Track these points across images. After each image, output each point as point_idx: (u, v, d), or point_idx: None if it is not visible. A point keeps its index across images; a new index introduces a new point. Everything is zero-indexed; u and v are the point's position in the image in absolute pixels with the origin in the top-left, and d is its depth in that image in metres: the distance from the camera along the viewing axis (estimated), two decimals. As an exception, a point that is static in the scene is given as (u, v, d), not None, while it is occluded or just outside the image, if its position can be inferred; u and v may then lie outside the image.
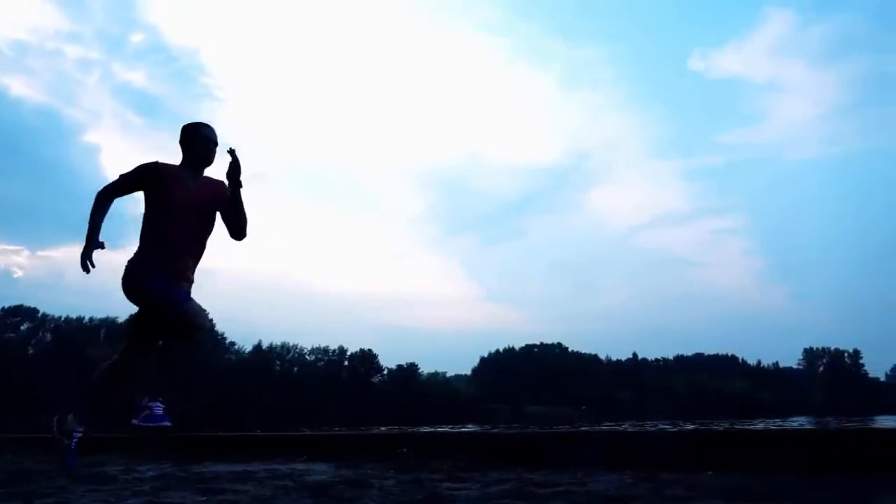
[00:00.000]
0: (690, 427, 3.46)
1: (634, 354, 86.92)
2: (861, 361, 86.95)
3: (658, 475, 2.09)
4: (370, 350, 78.94)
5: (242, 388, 57.20)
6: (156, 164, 2.99)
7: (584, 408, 71.61)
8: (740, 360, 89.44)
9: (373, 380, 78.10)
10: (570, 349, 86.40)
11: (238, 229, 3.08)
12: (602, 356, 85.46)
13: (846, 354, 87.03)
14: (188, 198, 2.96)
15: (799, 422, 27.64)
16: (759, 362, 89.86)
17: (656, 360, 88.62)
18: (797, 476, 1.99)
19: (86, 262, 2.81)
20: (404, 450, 2.72)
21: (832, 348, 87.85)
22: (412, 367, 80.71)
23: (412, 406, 66.60)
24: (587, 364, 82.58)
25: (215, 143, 3.09)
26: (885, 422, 23.78)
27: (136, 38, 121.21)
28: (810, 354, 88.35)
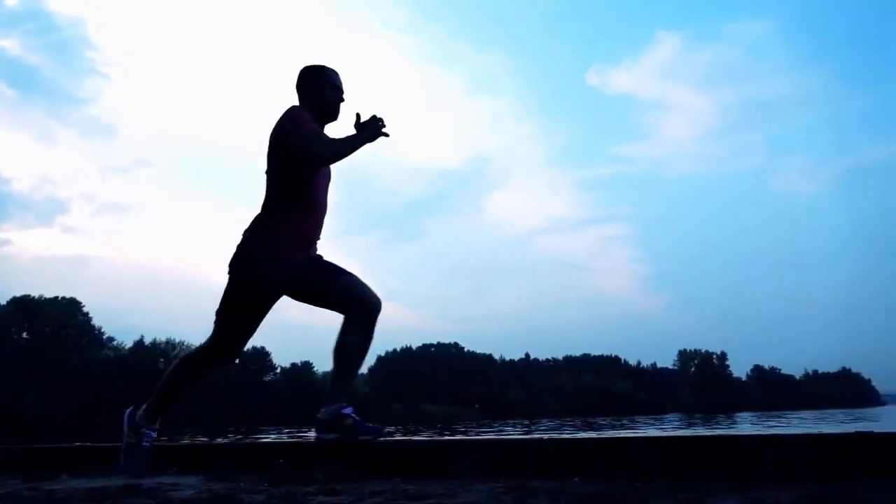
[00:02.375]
0: (563, 436, 3.63)
1: (527, 355, 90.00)
2: (727, 362, 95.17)
3: (530, 483, 2.16)
4: (262, 347, 76.36)
5: (120, 389, 53.47)
6: (305, 111, 2.43)
7: (477, 406, 73.21)
8: (622, 361, 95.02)
9: (265, 378, 75.67)
10: (465, 349, 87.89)
11: None
12: (496, 356, 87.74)
13: (714, 356, 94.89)
14: None
15: (671, 419, 29.88)
16: (639, 363, 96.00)
17: (547, 360, 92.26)
18: (655, 482, 2.13)
19: (377, 129, 2.28)
20: (281, 460, 2.65)
21: (703, 350, 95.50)
22: (307, 366, 78.96)
23: (306, 406, 65.21)
24: (482, 364, 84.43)
25: (343, 95, 2.53)
26: (745, 418, 26.18)
27: (10, 0, 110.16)
28: (684, 356, 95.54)
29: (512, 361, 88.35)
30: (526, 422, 34.15)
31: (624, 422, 26.53)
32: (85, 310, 60.01)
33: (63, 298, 58.41)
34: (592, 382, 79.63)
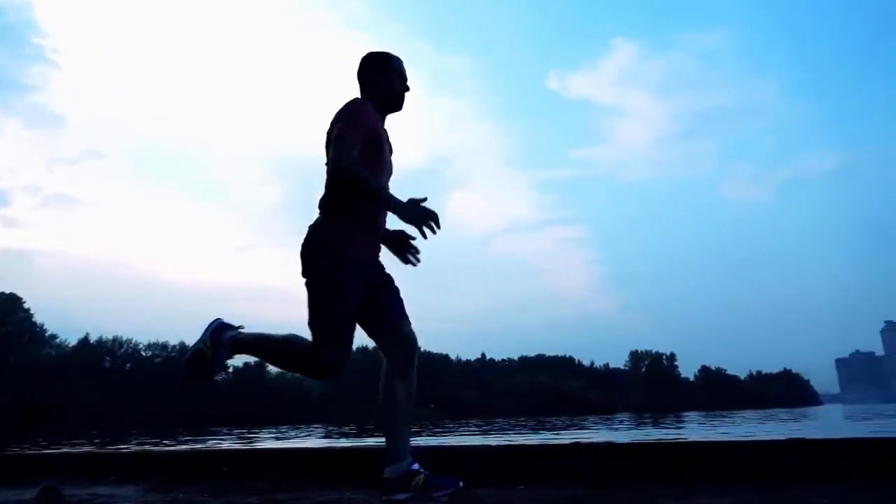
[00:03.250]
0: (507, 441, 3.66)
1: (483, 355, 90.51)
2: (676, 363, 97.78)
3: (474, 491, 2.16)
4: (215, 346, 74.66)
5: (62, 387, 51.46)
6: (367, 102, 2.28)
7: (432, 406, 73.25)
8: (576, 361, 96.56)
9: (217, 378, 74.00)
10: (422, 349, 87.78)
11: None
12: (452, 356, 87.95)
13: (664, 357, 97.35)
14: (388, 149, 2.32)
15: (621, 419, 30.47)
16: (592, 363, 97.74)
17: (503, 360, 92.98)
18: (591, 488, 2.16)
19: (428, 222, 2.00)
20: (224, 469, 2.58)
21: (654, 351, 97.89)
22: (260, 365, 77.57)
23: (259, 406, 64.00)
24: (438, 364, 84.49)
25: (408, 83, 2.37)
26: (692, 418, 26.90)
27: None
28: (635, 356, 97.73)
29: (468, 361, 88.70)
30: (480, 422, 34.37)
31: (576, 421, 26.91)
32: (26, 306, 57.53)
33: (2, 294, 55.87)
34: (547, 382, 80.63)
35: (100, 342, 65.58)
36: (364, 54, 2.38)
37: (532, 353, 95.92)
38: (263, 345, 2.19)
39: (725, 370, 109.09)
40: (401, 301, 2.31)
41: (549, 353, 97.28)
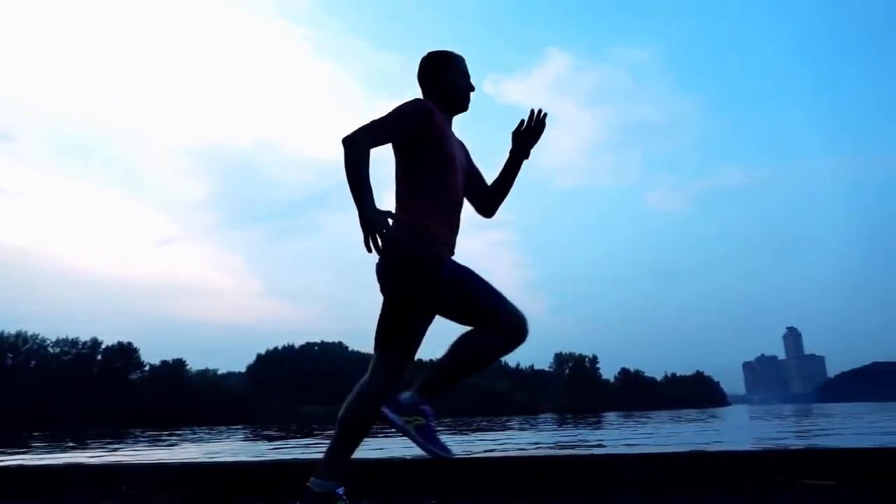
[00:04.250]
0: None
1: (419, 359, 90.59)
2: (598, 365, 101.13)
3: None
4: (129, 343, 71.30)
5: (-45, 386, 47.85)
6: (430, 102, 2.16)
7: (359, 407, 72.60)
8: (503, 362, 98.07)
9: (131, 377, 70.56)
10: (350, 348, 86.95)
11: (494, 205, 2.37)
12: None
13: (587, 359, 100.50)
14: (457, 150, 2.23)
15: (544, 419, 31.25)
16: (518, 364, 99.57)
17: (430, 360, 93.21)
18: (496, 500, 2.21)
19: (375, 235, 1.86)
20: (123, 487, 2.47)
21: (577, 353, 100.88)
22: (179, 364, 74.52)
23: (178, 406, 61.48)
24: (365, 363, 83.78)
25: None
26: (610, 419, 27.90)
27: None
28: (560, 358, 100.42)
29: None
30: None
31: (503, 420, 27.35)
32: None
33: None
34: (474, 383, 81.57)
35: (1, 338, 61.23)
36: (425, 56, 2.29)
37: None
38: (447, 370, 2.13)
39: (643, 372, 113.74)
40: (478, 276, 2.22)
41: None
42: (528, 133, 2.29)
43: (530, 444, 9.54)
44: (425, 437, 2.03)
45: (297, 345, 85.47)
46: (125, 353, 70.78)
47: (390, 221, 1.93)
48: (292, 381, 76.73)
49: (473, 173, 2.32)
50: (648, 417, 28.93)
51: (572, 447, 8.10)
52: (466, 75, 2.27)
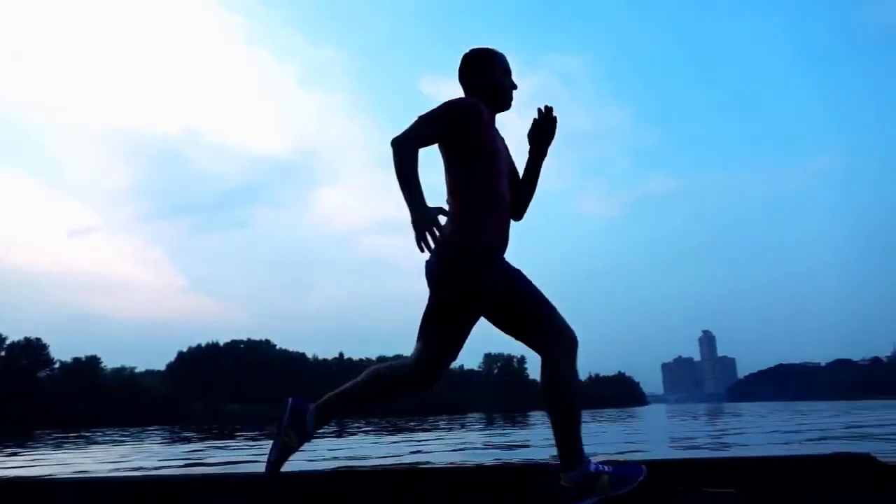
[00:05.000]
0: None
1: (341, 354, 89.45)
2: (525, 366, 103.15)
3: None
4: (38, 339, 66.96)
5: None
6: (477, 100, 2.09)
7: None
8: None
9: (39, 374, 66.31)
10: (277, 346, 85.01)
11: (522, 208, 2.30)
12: (309, 354, 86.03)
13: (515, 359, 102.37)
14: (503, 148, 2.18)
15: (473, 419, 31.61)
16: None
17: (361, 359, 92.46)
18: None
19: (426, 234, 1.82)
20: None
21: (506, 354, 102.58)
22: (93, 361, 70.68)
23: (91, 406, 58.25)
24: (294, 362, 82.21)
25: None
26: (536, 418, 28.50)
27: None
28: (489, 359, 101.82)
29: (325, 360, 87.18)
30: (333, 423, 33.88)
31: (431, 420, 27.45)
32: None
33: None
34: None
35: None
36: (467, 53, 2.25)
37: (391, 353, 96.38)
38: (348, 399, 2.07)
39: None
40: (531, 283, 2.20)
41: (408, 353, 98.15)
42: (542, 131, 2.27)
43: (460, 445, 9.61)
44: None
45: (221, 342, 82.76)
46: (32, 350, 66.46)
47: (442, 220, 1.91)
48: (216, 381, 74.19)
49: (513, 174, 2.28)
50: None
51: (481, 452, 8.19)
52: (509, 73, 2.24)
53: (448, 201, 2.08)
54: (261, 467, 2.06)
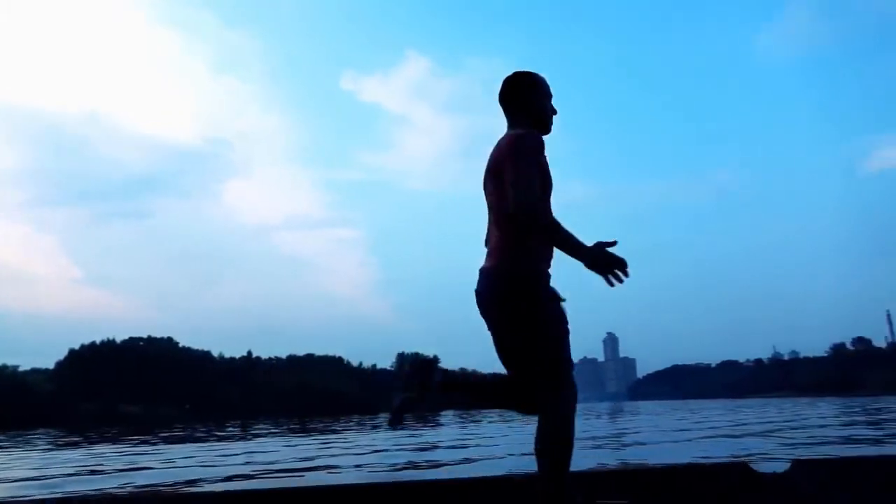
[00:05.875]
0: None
1: (249, 353, 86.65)
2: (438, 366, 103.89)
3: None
4: None
5: None
6: (537, 132, 2.12)
7: (187, 406, 67.85)
8: (345, 362, 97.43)
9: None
10: (181, 344, 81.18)
11: None
12: (215, 353, 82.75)
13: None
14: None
15: (382, 419, 31.48)
16: (360, 364, 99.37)
17: (270, 358, 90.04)
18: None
19: (611, 268, 1.89)
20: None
21: (419, 353, 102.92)
22: (-32, 358, 64.52)
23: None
24: (198, 361, 78.81)
25: None
26: (448, 418, 28.79)
27: None
28: (402, 358, 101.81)
29: (232, 359, 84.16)
30: (237, 424, 32.81)
31: (343, 421, 27.12)
32: None
33: None
34: (314, 382, 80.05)
35: None
36: (511, 76, 2.23)
37: (301, 353, 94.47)
38: (473, 389, 2.15)
39: (478, 371, 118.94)
40: None
41: (319, 352, 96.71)
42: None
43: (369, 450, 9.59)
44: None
45: (118, 339, 77.99)
46: None
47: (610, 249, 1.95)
48: (111, 380, 69.81)
49: None
50: (482, 416, 30.41)
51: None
52: (551, 97, 2.25)
53: (498, 220, 2.09)
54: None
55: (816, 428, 9.39)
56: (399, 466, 5.94)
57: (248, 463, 7.01)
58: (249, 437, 15.09)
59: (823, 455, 5.31)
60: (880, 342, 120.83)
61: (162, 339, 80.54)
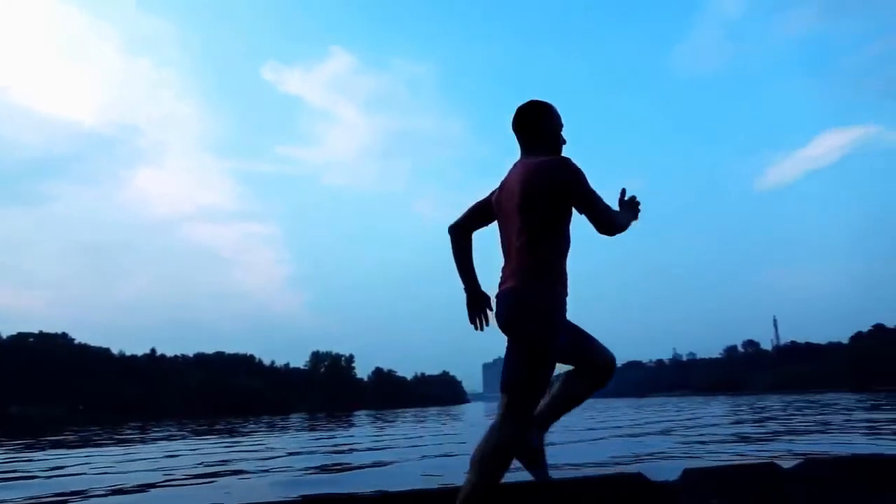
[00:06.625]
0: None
1: (153, 350, 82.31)
2: (353, 365, 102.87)
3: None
4: None
5: None
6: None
7: (81, 408, 63.52)
8: (256, 360, 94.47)
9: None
10: (76, 341, 75.98)
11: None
12: (115, 350, 78.05)
13: (343, 358, 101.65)
14: None
15: (295, 419, 30.88)
16: (273, 362, 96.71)
17: (176, 356, 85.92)
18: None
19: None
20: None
21: (334, 352, 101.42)
22: None
23: None
24: (96, 358, 74.05)
25: None
26: (361, 418, 28.60)
27: None
28: (316, 357, 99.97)
29: (134, 357, 79.65)
30: (136, 425, 31.11)
31: (252, 421, 26.22)
32: None
33: None
34: (223, 381, 77.03)
35: None
36: (530, 104, 2.31)
37: (210, 350, 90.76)
38: (558, 409, 2.36)
39: (395, 372, 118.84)
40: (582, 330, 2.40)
41: (229, 350, 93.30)
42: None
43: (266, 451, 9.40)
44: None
45: (4, 335, 71.89)
46: None
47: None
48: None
49: None
50: (395, 416, 30.42)
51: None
52: (562, 125, 2.36)
53: (528, 245, 2.16)
54: None
55: (709, 427, 10.05)
56: (311, 471, 5.85)
57: (144, 471, 6.68)
58: (150, 440, 14.36)
59: (714, 460, 5.69)
60: (767, 345, 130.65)
61: (56, 334, 74.95)
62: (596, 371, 2.32)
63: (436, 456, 7.00)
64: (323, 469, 6.01)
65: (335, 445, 9.67)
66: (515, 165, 2.27)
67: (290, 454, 8.28)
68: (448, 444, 8.94)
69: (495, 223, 2.35)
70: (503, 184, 2.28)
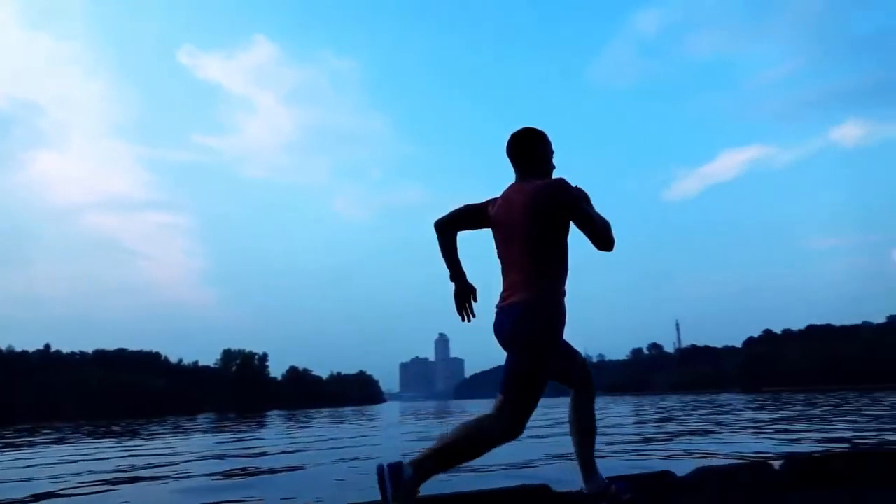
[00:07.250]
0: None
1: (47, 346, 76.78)
2: (267, 363, 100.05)
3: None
4: None
5: None
6: None
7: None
8: (163, 358, 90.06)
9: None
10: (-43, 336, 69.75)
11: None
12: (3, 346, 72.21)
13: (257, 357, 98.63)
14: None
15: (203, 420, 29.67)
16: (180, 360, 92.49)
17: (73, 353, 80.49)
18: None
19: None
20: None
21: (247, 350, 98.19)
22: None
23: None
24: (-21, 355, 68.21)
25: None
26: (273, 418, 27.90)
27: None
28: (227, 355, 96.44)
29: (25, 353, 73.94)
30: (24, 429, 28.88)
31: (156, 421, 24.87)
32: None
33: None
34: (126, 380, 72.76)
35: None
36: (525, 131, 2.45)
37: (112, 347, 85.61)
38: (446, 456, 2.11)
39: (311, 371, 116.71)
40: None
41: (133, 347, 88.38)
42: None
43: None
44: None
45: None
46: None
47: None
48: None
49: None
50: (310, 416, 29.82)
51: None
52: (553, 152, 2.50)
53: (531, 262, 2.28)
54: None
55: (613, 427, 10.52)
56: (217, 476, 5.65)
57: (34, 479, 6.24)
58: (40, 444, 13.39)
59: (619, 460, 5.96)
60: (669, 348, 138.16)
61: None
62: (581, 386, 2.51)
63: (352, 459, 6.94)
64: (230, 474, 5.81)
65: (245, 448, 9.38)
66: (513, 186, 2.42)
67: (196, 458, 7.96)
68: (364, 446, 8.88)
69: (483, 231, 2.48)
70: (503, 201, 2.39)
